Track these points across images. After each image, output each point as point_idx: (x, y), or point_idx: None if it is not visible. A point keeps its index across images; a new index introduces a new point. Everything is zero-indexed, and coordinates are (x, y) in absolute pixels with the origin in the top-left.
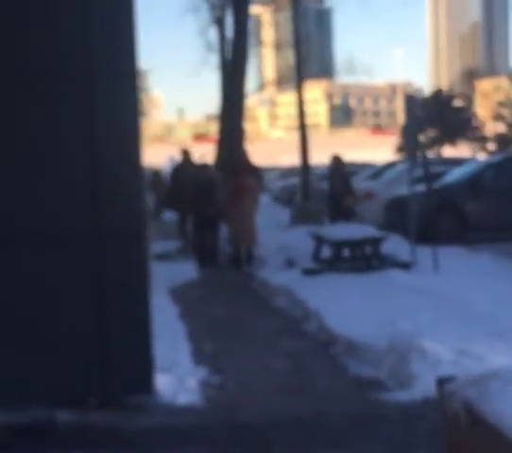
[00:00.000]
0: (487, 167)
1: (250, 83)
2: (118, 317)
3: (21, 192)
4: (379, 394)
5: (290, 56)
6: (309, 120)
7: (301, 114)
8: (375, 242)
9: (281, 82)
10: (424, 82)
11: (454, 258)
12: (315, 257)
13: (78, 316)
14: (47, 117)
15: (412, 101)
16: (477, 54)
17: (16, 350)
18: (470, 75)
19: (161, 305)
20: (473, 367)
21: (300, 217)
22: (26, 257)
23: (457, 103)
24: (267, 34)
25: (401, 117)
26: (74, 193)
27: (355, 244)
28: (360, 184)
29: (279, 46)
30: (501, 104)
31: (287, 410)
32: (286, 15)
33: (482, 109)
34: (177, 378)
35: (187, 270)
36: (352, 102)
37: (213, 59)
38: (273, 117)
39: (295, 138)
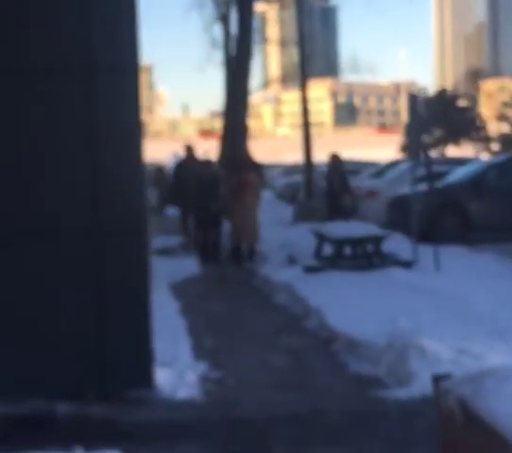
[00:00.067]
0: (491, 167)
1: (255, 80)
2: (118, 312)
3: (21, 191)
4: (378, 392)
5: (295, 53)
6: (313, 118)
7: (305, 112)
8: (377, 240)
9: (285, 80)
10: (429, 81)
11: (456, 257)
12: (317, 254)
13: (79, 311)
14: (48, 115)
15: (415, 100)
16: (482, 54)
17: (16, 344)
18: (475, 75)
19: (161, 300)
20: (472, 366)
21: (303, 214)
22: (27, 255)
23: (462, 103)
24: (272, 31)
25: (405, 116)
26: (74, 191)
27: (357, 242)
28: (363, 182)
29: (284, 44)
30: (505, 104)
31: (286, 406)
32: (291, 13)
33: (486, 110)
34: (176, 373)
35: (189, 266)
36: (357, 100)
37: (218, 56)
38: (278, 115)
39: (301, 135)
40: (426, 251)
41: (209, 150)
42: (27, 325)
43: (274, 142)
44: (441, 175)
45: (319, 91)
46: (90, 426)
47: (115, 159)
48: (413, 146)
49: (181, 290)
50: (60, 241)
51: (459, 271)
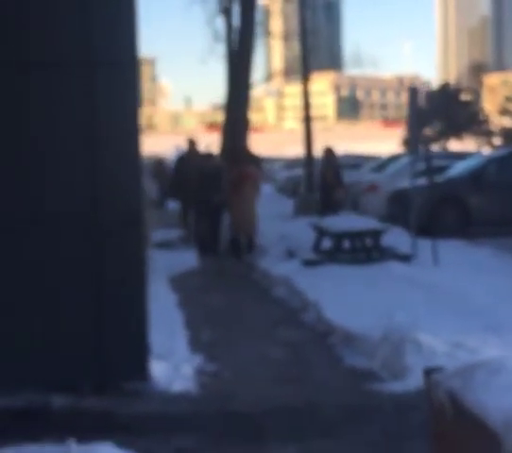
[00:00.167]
0: (491, 161)
1: (258, 73)
2: (115, 305)
3: (20, 185)
4: (373, 385)
5: (298, 47)
6: (316, 112)
7: (306, 106)
8: (376, 234)
9: (288, 73)
10: (432, 75)
11: (455, 251)
12: (316, 248)
13: (76, 304)
14: (47, 109)
15: (415, 94)
16: (486, 48)
17: (12, 336)
18: (478, 70)
19: (160, 293)
20: (467, 360)
21: (304, 208)
22: (26, 244)
23: (464, 97)
24: (276, 24)
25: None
26: (73, 186)
27: (356, 236)
28: (364, 176)
29: (287, 37)
30: (508, 98)
31: (282, 399)
32: (295, 6)
33: (489, 104)
34: (172, 366)
35: (188, 258)
36: (360, 94)
37: (220, 49)
38: (280, 108)
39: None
40: (425, 245)
41: (211, 143)
42: (24, 317)
43: (280, 135)
44: (442, 169)
45: (322, 84)
46: (86, 418)
47: (115, 150)
48: (413, 140)
49: (180, 283)
50: (59, 235)
51: (457, 265)
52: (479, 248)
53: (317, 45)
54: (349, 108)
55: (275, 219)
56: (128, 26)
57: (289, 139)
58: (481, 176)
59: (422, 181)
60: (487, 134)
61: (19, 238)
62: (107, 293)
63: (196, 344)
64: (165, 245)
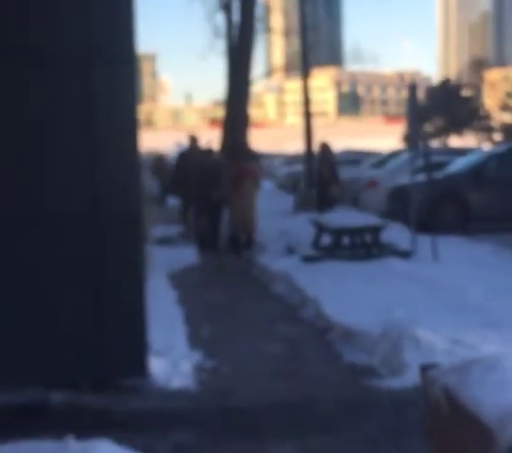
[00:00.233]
0: (491, 157)
1: (259, 69)
2: (114, 301)
3: (19, 181)
4: (371, 381)
5: (298, 43)
6: (317, 107)
7: (306, 102)
8: (375, 230)
9: (289, 69)
10: (433, 71)
11: (455, 247)
12: (316, 244)
13: (75, 301)
14: (46, 103)
15: (414, 90)
16: (486, 44)
17: (12, 333)
18: (479, 65)
19: (159, 289)
20: (466, 356)
21: (304, 204)
22: (25, 241)
23: (465, 93)
24: (276, 20)
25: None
26: (72, 182)
27: (355, 232)
28: (364, 173)
29: (287, 33)
30: (509, 94)
31: (280, 395)
32: (295, 1)
33: (490, 100)
34: (171, 362)
35: (188, 255)
36: (361, 90)
37: (221, 45)
38: (281, 104)
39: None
40: (425, 241)
41: (211, 139)
42: (24, 314)
43: (282, 131)
44: (442, 165)
45: (323, 80)
46: (84, 415)
47: (113, 153)
48: (413, 137)
49: (179, 279)
50: (58, 230)
51: (457, 261)
52: (479, 244)
53: (318, 41)
54: (350, 103)
55: (275, 215)
56: (126, 25)
57: (290, 134)
58: (481, 172)
59: (422, 177)
60: (488, 130)
61: (17, 222)
62: (106, 291)
63: (195, 341)
64: (165, 242)
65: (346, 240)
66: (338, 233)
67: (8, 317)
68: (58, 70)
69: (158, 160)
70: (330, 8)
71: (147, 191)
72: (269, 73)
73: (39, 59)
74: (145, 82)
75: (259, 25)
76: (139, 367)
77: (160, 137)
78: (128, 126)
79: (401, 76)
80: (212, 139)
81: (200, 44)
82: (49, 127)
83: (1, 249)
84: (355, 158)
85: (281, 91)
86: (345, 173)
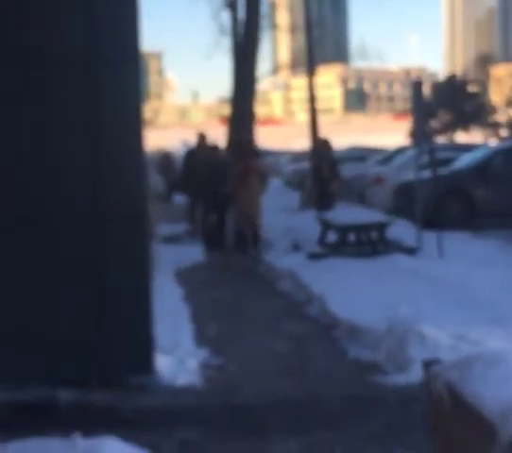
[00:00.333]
0: (497, 153)
1: (265, 66)
2: (119, 299)
3: (21, 180)
4: (377, 378)
5: (304, 39)
6: (323, 104)
7: (312, 99)
8: (381, 226)
9: (295, 66)
10: (439, 67)
11: (460, 243)
12: (322, 241)
13: (78, 299)
14: (49, 103)
15: (419, 87)
16: (492, 39)
17: (18, 330)
18: (485, 61)
19: (165, 287)
20: (471, 352)
21: (310, 201)
22: (26, 240)
23: (471, 88)
24: (282, 17)
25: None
26: (75, 179)
27: (361, 229)
28: (370, 169)
29: (293, 30)
30: None
31: (286, 392)
32: None
33: (496, 95)
34: (177, 359)
35: (194, 253)
36: (367, 87)
37: (226, 42)
38: (287, 101)
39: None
40: (430, 237)
41: (218, 137)
42: (30, 312)
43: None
44: (448, 161)
45: (329, 77)
46: (91, 412)
47: (118, 151)
48: (418, 133)
49: (186, 277)
50: (61, 228)
51: (462, 257)
52: (484, 240)
53: (324, 38)
54: (356, 100)
55: (281, 212)
56: (130, 24)
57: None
58: (487, 168)
59: (428, 174)
60: (494, 126)
61: (19, 226)
62: (111, 289)
63: (201, 338)
64: (172, 239)
65: (351, 237)
66: (344, 230)
67: (13, 316)
68: (61, 69)
69: (164, 158)
70: (335, 5)
71: (154, 189)
72: (275, 70)
73: (41, 59)
74: (152, 80)
75: (264, 23)
76: (145, 365)
77: (166, 135)
78: (133, 125)
79: (407, 73)
80: (217, 136)
81: (206, 42)
82: (52, 127)
83: (8, 249)
84: (361, 154)
85: (287, 88)
86: (351, 169)
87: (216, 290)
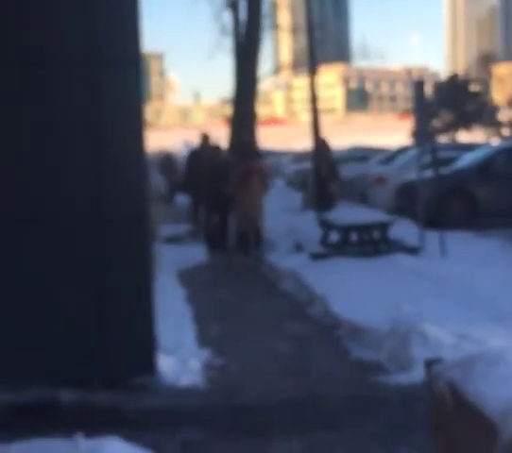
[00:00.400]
0: (499, 152)
1: (266, 67)
2: (121, 300)
3: (22, 181)
4: (379, 377)
5: (306, 39)
6: (325, 104)
7: (313, 99)
8: (383, 226)
9: (296, 66)
10: (441, 67)
11: (463, 243)
12: (324, 241)
13: (80, 300)
14: (50, 103)
15: (421, 87)
16: (494, 38)
17: (20, 331)
18: (487, 60)
19: (168, 288)
20: (473, 351)
21: (312, 201)
22: (27, 241)
23: (473, 88)
24: (283, 17)
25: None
26: (77, 180)
27: (363, 229)
28: (372, 169)
29: (294, 30)
30: None
31: (289, 392)
32: None
33: (498, 94)
34: (180, 360)
35: (196, 253)
36: (369, 86)
37: (228, 43)
38: (289, 101)
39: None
40: (433, 237)
41: (220, 137)
42: (30, 310)
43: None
44: (450, 160)
45: (331, 77)
46: (94, 413)
47: (119, 152)
48: (420, 133)
49: (188, 277)
50: (62, 228)
51: (465, 257)
52: (487, 240)
53: (325, 38)
54: (358, 100)
55: (283, 212)
56: (130, 25)
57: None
58: (489, 168)
59: (430, 173)
60: (496, 125)
61: (20, 226)
62: (113, 289)
63: (203, 339)
64: (174, 240)
65: (354, 237)
66: (346, 230)
67: (15, 317)
68: (61, 70)
69: (166, 159)
70: (337, 5)
71: (156, 190)
72: (277, 70)
73: (42, 59)
74: (153, 81)
75: (266, 23)
76: (148, 365)
77: (168, 136)
78: (134, 126)
79: (408, 72)
80: (220, 136)
81: (208, 43)
82: (52, 127)
83: (10, 249)
84: (363, 154)
85: (288, 88)
86: (353, 169)
87: (219, 290)
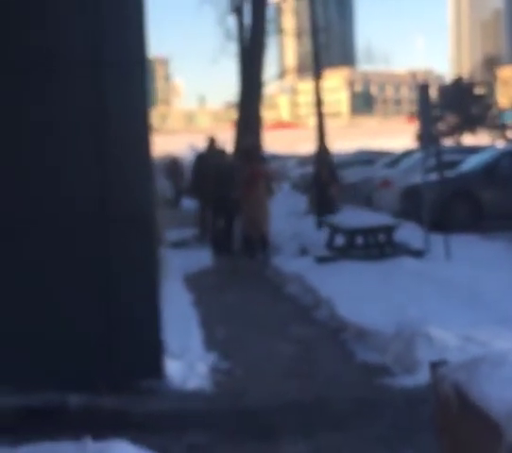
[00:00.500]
0: (504, 155)
1: (271, 71)
2: (128, 303)
3: (25, 183)
4: (384, 380)
5: (310, 43)
6: (330, 108)
7: (318, 102)
8: (388, 229)
9: (301, 70)
10: (445, 70)
11: (468, 246)
12: (329, 244)
13: (89, 304)
14: (55, 105)
15: (426, 90)
16: (499, 41)
17: (27, 335)
18: (492, 63)
19: (174, 292)
20: (478, 353)
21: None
22: (32, 243)
23: (478, 91)
24: (288, 22)
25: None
26: (82, 183)
27: (368, 232)
28: (377, 172)
29: (299, 34)
30: None
31: (295, 395)
32: (306, 2)
33: (503, 97)
34: (187, 364)
35: (202, 258)
36: (373, 90)
37: (233, 47)
38: (294, 105)
39: (330, 125)
40: (438, 240)
41: (226, 141)
42: (37, 315)
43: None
44: (454, 163)
45: (336, 80)
46: (101, 416)
47: (124, 155)
48: (425, 136)
49: (194, 281)
50: (68, 231)
51: (470, 260)
52: (492, 242)
53: (330, 42)
54: (363, 103)
55: (288, 216)
56: (136, 27)
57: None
58: (494, 171)
59: (435, 176)
60: (501, 128)
61: (26, 228)
62: (120, 292)
63: (210, 342)
64: (180, 245)
65: (359, 240)
66: (351, 233)
67: (22, 321)
68: (67, 73)
69: (171, 163)
70: (341, 9)
71: (161, 194)
72: (282, 74)
73: (48, 62)
74: (159, 86)
75: (270, 27)
76: (155, 369)
77: (173, 140)
78: (140, 129)
79: (413, 75)
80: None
81: (212, 47)
82: (57, 129)
83: (14, 253)
84: (369, 157)
85: (294, 92)
86: (358, 173)
87: (225, 294)
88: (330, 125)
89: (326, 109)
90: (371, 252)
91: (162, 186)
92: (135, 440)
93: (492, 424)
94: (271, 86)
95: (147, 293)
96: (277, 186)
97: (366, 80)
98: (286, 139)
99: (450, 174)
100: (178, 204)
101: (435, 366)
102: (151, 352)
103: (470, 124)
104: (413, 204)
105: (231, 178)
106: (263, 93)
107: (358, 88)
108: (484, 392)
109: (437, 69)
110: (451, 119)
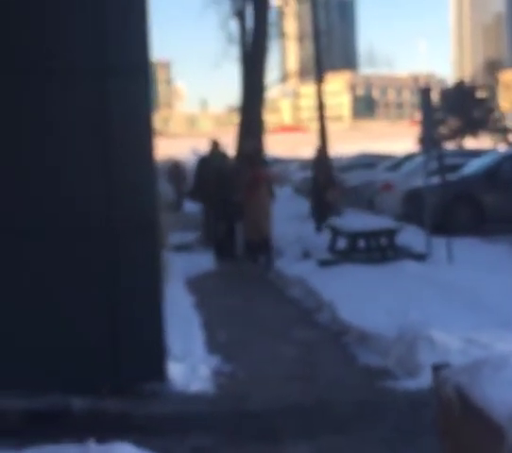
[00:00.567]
0: (506, 159)
1: (273, 75)
2: (131, 307)
3: (31, 189)
4: (387, 383)
5: (312, 47)
6: (332, 111)
7: (320, 106)
8: (390, 233)
9: (303, 74)
10: (447, 73)
11: (470, 249)
12: (331, 248)
13: (90, 307)
14: (60, 111)
15: (428, 94)
16: (500, 45)
17: (31, 339)
18: (493, 67)
19: (177, 295)
20: (480, 356)
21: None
22: (41, 247)
23: (480, 94)
24: (290, 25)
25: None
26: (87, 190)
27: (371, 236)
28: (379, 176)
29: (301, 38)
30: None
31: (297, 397)
32: (308, 6)
33: (505, 101)
34: (190, 367)
35: (205, 261)
36: (375, 93)
37: (234, 51)
38: (296, 108)
39: (331, 129)
40: (440, 243)
41: (228, 145)
42: (41, 319)
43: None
44: (456, 167)
45: (338, 84)
46: (104, 419)
47: (128, 159)
48: (427, 140)
49: (197, 285)
50: (71, 237)
51: (472, 263)
52: (494, 246)
53: (332, 45)
54: (365, 107)
55: (291, 220)
56: (140, 32)
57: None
58: (495, 174)
59: (437, 180)
60: (503, 131)
61: (30, 235)
62: (123, 296)
63: (212, 345)
64: (183, 248)
65: (361, 243)
66: (354, 237)
67: (26, 325)
68: (71, 78)
69: (174, 167)
70: (343, 12)
71: (164, 198)
72: (284, 78)
73: (52, 67)
74: (161, 89)
75: (273, 31)
76: (158, 372)
77: (176, 144)
78: (143, 134)
79: (415, 79)
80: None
81: (215, 51)
82: (63, 134)
83: (18, 258)
84: (370, 161)
85: (296, 95)
86: (360, 176)
87: (227, 297)
88: (332, 128)
89: (328, 113)
90: (373, 255)
91: (165, 189)
92: (138, 442)
93: (494, 426)
94: (273, 90)
95: (150, 297)
96: (278, 187)
97: (368, 84)
98: (289, 142)
99: (452, 177)
100: (180, 207)
101: (437, 369)
102: (154, 355)
103: (472, 127)
104: (415, 207)
105: (234, 182)
106: (265, 97)
107: (360, 91)
108: (486, 394)
109: (439, 72)
110: (453, 122)
